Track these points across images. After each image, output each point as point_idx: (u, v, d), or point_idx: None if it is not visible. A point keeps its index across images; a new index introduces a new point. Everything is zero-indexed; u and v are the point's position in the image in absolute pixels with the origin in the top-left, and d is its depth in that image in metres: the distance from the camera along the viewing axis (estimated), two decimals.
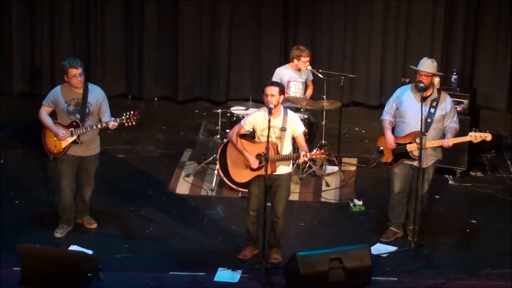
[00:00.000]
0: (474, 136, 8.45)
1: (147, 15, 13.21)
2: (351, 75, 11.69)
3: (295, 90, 10.44)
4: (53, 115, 8.69)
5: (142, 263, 8.32)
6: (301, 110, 10.21)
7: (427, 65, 8.50)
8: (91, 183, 8.89)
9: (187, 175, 10.38)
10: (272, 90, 8.05)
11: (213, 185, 10.01)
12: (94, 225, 8.96)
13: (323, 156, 8.22)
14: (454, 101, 8.96)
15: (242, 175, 8.31)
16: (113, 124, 8.46)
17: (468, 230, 9.14)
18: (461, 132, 8.65)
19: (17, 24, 13.25)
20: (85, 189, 8.89)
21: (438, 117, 8.55)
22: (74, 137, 8.53)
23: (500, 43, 12.84)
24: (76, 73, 8.47)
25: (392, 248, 8.63)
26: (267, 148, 7.91)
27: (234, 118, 10.19)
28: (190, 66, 13.40)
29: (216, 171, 9.98)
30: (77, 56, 13.08)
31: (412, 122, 8.51)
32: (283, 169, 8.21)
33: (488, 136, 8.45)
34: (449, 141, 8.45)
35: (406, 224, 8.89)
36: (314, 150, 8.59)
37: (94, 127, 8.54)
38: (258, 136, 8.22)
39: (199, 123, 11.71)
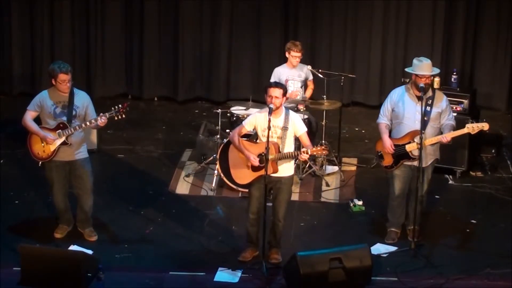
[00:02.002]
0: (472, 128, 8.42)
1: (147, 15, 13.21)
2: (351, 75, 11.68)
3: (294, 89, 10.43)
4: (36, 121, 8.52)
5: (142, 263, 8.31)
6: (301, 110, 10.21)
7: (427, 68, 8.45)
8: (88, 192, 8.65)
9: (187, 175, 10.38)
10: (276, 92, 7.99)
11: (213, 185, 10.01)
12: (94, 238, 8.70)
13: (324, 152, 8.03)
14: (454, 101, 8.96)
15: (243, 176, 8.27)
16: (102, 121, 8.25)
17: (468, 230, 9.14)
18: None
19: (17, 24, 13.24)
20: (83, 199, 8.65)
21: (435, 115, 8.53)
22: (63, 138, 8.33)
23: (500, 43, 12.84)
24: (66, 79, 8.30)
25: (392, 248, 8.62)
26: (267, 148, 7.90)
27: (234, 118, 10.18)
28: (190, 66, 13.40)
29: (216, 171, 9.98)
30: (76, 57, 13.30)
31: (409, 122, 8.50)
32: (285, 171, 8.18)
33: (485, 126, 8.41)
34: (448, 136, 8.43)
35: (406, 224, 8.88)
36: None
37: (83, 125, 8.33)
38: (260, 137, 8.21)
39: (199, 123, 11.71)
